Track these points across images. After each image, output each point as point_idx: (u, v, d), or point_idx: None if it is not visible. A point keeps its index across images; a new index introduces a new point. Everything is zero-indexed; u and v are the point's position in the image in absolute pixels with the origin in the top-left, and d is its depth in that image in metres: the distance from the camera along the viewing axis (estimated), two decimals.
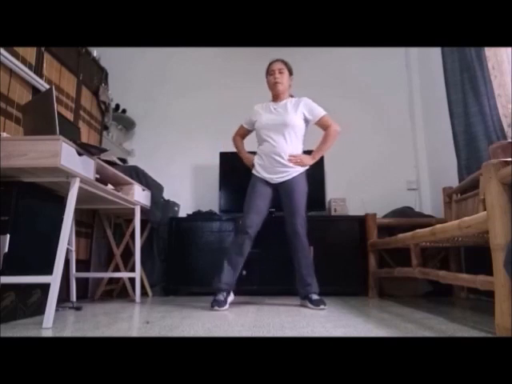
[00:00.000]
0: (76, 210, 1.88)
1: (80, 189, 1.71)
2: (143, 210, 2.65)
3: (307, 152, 2.39)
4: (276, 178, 2.26)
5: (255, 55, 3.68)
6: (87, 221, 2.77)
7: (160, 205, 3.01)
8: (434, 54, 3.10)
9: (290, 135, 2.29)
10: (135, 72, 3.78)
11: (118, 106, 3.45)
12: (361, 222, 2.92)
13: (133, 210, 2.53)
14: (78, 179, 1.67)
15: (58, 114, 1.70)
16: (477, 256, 2.31)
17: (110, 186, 2.15)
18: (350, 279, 2.84)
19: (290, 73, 2.44)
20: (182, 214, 3.35)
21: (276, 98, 2.41)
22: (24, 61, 2.08)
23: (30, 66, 2.13)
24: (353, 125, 3.59)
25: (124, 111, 3.52)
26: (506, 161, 1.27)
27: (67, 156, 1.58)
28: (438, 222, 1.92)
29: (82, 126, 2.71)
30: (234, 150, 2.81)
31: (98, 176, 1.95)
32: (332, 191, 3.41)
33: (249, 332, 1.38)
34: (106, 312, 1.97)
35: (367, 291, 2.77)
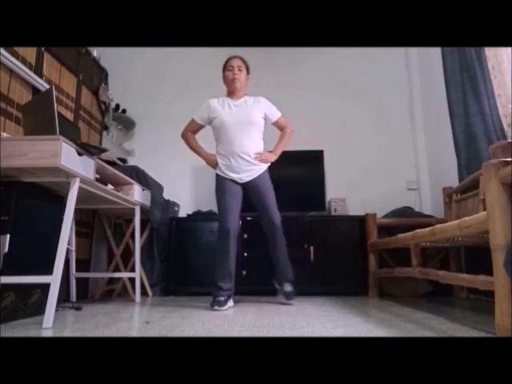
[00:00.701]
0: (76, 210, 1.88)
1: (80, 189, 1.71)
2: (143, 210, 2.65)
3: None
4: (244, 177, 2.28)
5: (255, 55, 3.68)
6: (87, 221, 2.77)
7: (160, 205, 3.01)
8: (434, 54, 3.10)
9: (253, 133, 2.30)
10: (135, 72, 3.78)
11: (117, 106, 3.45)
12: (361, 221, 2.92)
13: (133, 210, 2.53)
14: (77, 179, 1.67)
15: (58, 114, 1.70)
16: (477, 256, 2.31)
17: (110, 186, 2.15)
18: (350, 279, 2.85)
19: (248, 71, 2.42)
20: (182, 214, 3.35)
21: (232, 94, 2.39)
22: (24, 61, 2.08)
23: (30, 66, 2.13)
24: (353, 125, 3.60)
25: (124, 111, 3.52)
26: (506, 161, 1.27)
27: (67, 156, 1.58)
28: (438, 222, 1.92)
29: (82, 125, 2.71)
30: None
31: (97, 176, 1.95)
32: (332, 191, 3.41)
33: (249, 332, 1.38)
34: (105, 312, 1.97)
35: (367, 291, 2.77)
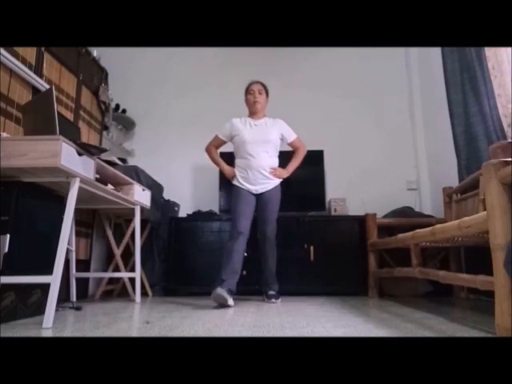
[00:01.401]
0: (76, 210, 1.88)
1: (80, 189, 1.71)
2: (143, 210, 2.65)
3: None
4: (259, 189, 2.52)
5: (255, 55, 3.70)
6: (87, 221, 2.77)
7: (160, 205, 3.01)
8: (434, 54, 3.10)
9: (270, 150, 2.56)
10: (135, 72, 3.78)
11: (118, 106, 3.45)
12: (361, 222, 2.92)
13: (133, 210, 2.53)
14: (77, 179, 1.67)
15: (58, 113, 1.70)
16: (477, 256, 2.31)
17: (110, 186, 2.15)
18: (350, 279, 2.85)
19: (267, 94, 2.68)
20: (182, 214, 3.36)
21: (253, 114, 2.65)
22: (24, 61, 2.08)
23: (30, 66, 2.13)
24: (353, 125, 3.60)
25: (124, 111, 3.51)
26: (506, 161, 1.27)
27: (67, 156, 1.58)
28: (438, 222, 1.92)
29: (82, 125, 2.71)
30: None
31: (97, 176, 1.95)
32: (332, 191, 3.41)
33: (249, 332, 1.38)
34: (105, 312, 1.97)
35: (367, 291, 2.77)
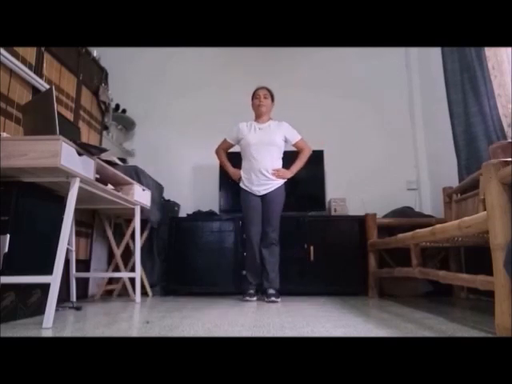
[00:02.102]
0: (76, 210, 1.88)
1: (80, 189, 1.71)
2: (143, 210, 2.65)
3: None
4: (262, 190, 2.61)
5: (255, 55, 3.70)
6: (87, 221, 2.77)
7: (160, 205, 3.01)
8: (434, 53, 3.10)
9: (274, 152, 2.65)
10: (135, 72, 3.78)
11: (118, 106, 3.44)
12: (361, 222, 2.92)
13: (133, 210, 2.53)
14: (77, 179, 1.67)
15: (58, 113, 1.70)
16: (477, 256, 2.31)
17: (110, 186, 2.15)
18: (350, 279, 2.85)
19: (272, 99, 2.78)
20: (182, 214, 3.36)
21: (259, 118, 2.75)
22: (24, 61, 2.08)
23: (30, 66, 2.13)
24: (353, 125, 3.60)
25: (124, 111, 3.51)
26: (506, 161, 1.27)
27: (67, 156, 1.58)
28: (438, 222, 1.92)
29: (82, 125, 2.71)
30: (233, 150, 2.83)
31: (97, 176, 1.94)
32: (332, 191, 3.41)
33: (249, 332, 1.38)
34: (106, 312, 1.97)
35: (367, 291, 2.77)
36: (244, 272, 2.88)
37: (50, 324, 1.48)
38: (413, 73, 3.62)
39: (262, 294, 2.60)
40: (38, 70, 2.20)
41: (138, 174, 2.69)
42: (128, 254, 2.82)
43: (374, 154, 3.52)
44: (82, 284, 2.69)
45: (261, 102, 2.70)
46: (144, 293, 2.78)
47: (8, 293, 1.63)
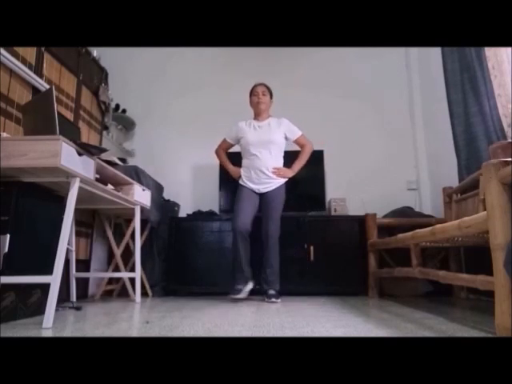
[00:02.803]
0: (76, 210, 1.88)
1: (80, 189, 1.71)
2: (143, 210, 2.65)
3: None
4: (262, 188, 2.58)
5: (255, 55, 3.70)
6: (87, 221, 2.77)
7: (160, 205, 3.01)
8: (434, 53, 3.10)
9: (274, 150, 2.62)
10: (135, 72, 3.78)
11: (118, 106, 3.44)
12: (361, 222, 2.92)
13: (133, 210, 2.53)
14: (77, 179, 1.67)
15: (58, 113, 1.70)
16: (477, 256, 2.31)
17: (110, 186, 2.15)
18: (350, 279, 2.85)
19: (271, 96, 2.74)
20: (182, 214, 3.36)
21: (258, 115, 2.72)
22: (24, 61, 2.08)
23: (30, 66, 2.13)
24: (353, 125, 3.60)
25: (124, 111, 3.51)
26: (506, 161, 1.27)
27: (67, 156, 1.58)
28: (438, 222, 1.92)
29: (82, 125, 2.71)
30: (234, 150, 2.84)
31: (97, 176, 1.94)
32: (332, 191, 3.41)
33: (249, 332, 1.38)
34: (106, 312, 1.97)
35: (367, 291, 2.77)
36: None
37: (50, 324, 1.48)
38: (413, 73, 3.62)
39: (262, 294, 2.55)
40: (37, 70, 2.20)
41: (138, 174, 2.69)
42: (128, 254, 2.82)
43: (374, 154, 3.52)
44: (82, 284, 2.69)
45: (259, 99, 2.66)
46: (144, 293, 2.78)
47: (8, 293, 1.63)
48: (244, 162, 2.69)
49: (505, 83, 2.24)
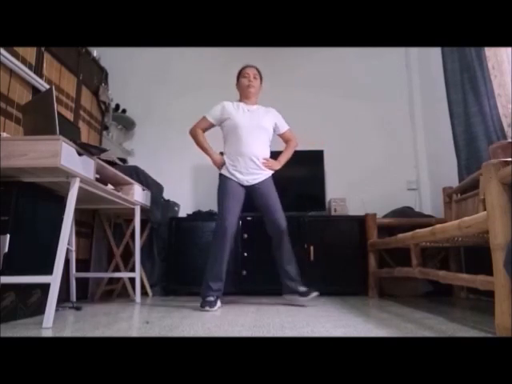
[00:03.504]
0: (76, 210, 1.88)
1: (80, 189, 1.71)
2: (143, 210, 2.65)
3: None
4: (250, 179, 2.32)
5: (255, 55, 3.68)
6: (87, 221, 2.77)
7: (160, 205, 3.01)
8: (434, 53, 3.10)
9: (263, 138, 2.39)
10: (135, 72, 3.78)
11: (118, 106, 3.44)
12: (361, 222, 2.92)
13: (133, 210, 2.53)
14: (77, 179, 1.67)
15: (58, 114, 1.70)
16: (477, 256, 2.31)
17: (110, 186, 2.15)
18: (350, 279, 2.85)
19: (261, 81, 2.53)
20: (182, 214, 3.35)
21: (246, 99, 2.47)
22: (24, 61, 2.08)
23: (30, 66, 2.13)
24: (353, 125, 3.60)
25: (124, 111, 3.51)
26: (506, 161, 1.27)
27: (67, 156, 1.58)
28: (438, 222, 1.92)
29: (82, 126, 2.71)
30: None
31: (97, 176, 1.94)
32: (332, 191, 3.41)
33: (249, 332, 1.38)
34: (105, 312, 1.97)
35: (367, 291, 2.77)
36: (244, 272, 2.89)
37: (50, 324, 1.48)
38: (413, 73, 3.62)
39: (290, 293, 2.28)
40: (37, 70, 2.20)
41: (138, 174, 2.69)
42: (128, 254, 2.82)
43: (374, 154, 3.52)
44: (82, 284, 2.68)
45: (250, 82, 2.42)
46: (144, 293, 2.78)
47: (8, 293, 1.63)
48: (228, 148, 2.38)
49: (505, 83, 2.24)
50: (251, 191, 2.33)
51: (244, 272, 2.89)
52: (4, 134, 1.71)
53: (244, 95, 2.48)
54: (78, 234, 2.58)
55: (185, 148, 3.64)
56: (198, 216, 3.15)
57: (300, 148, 2.73)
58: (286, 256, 2.29)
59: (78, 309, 2.03)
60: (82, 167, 1.70)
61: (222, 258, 2.19)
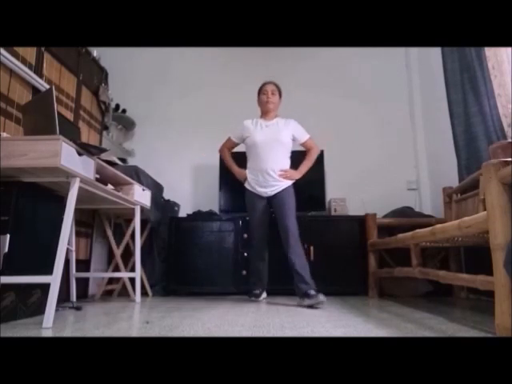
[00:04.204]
0: (76, 210, 1.88)
1: (80, 189, 1.71)
2: (143, 210, 2.64)
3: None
4: (269, 191, 2.49)
5: (255, 55, 3.70)
6: (87, 221, 2.77)
7: (160, 205, 3.01)
8: (434, 53, 3.10)
9: (281, 151, 2.52)
10: (135, 72, 3.78)
11: (118, 106, 3.44)
12: (361, 222, 2.92)
13: (133, 210, 2.53)
14: (77, 179, 1.67)
15: (58, 113, 1.70)
16: (477, 256, 2.31)
17: (110, 186, 2.15)
18: (350, 279, 2.85)
19: (280, 95, 2.65)
20: (182, 214, 3.35)
21: (265, 115, 2.62)
22: (24, 61, 2.08)
23: (30, 66, 2.13)
24: (353, 125, 3.60)
25: (124, 111, 3.51)
26: (506, 161, 1.27)
27: (67, 156, 1.58)
28: (438, 222, 1.92)
29: (82, 125, 2.71)
30: (238, 150, 2.80)
31: (97, 176, 1.94)
32: (332, 191, 3.41)
33: (249, 332, 1.38)
34: (105, 312, 1.97)
35: (367, 291, 2.77)
36: (244, 272, 2.89)
37: (50, 324, 1.48)
38: (413, 73, 3.62)
39: (300, 297, 2.29)
40: (38, 70, 2.20)
41: (138, 174, 2.69)
42: (128, 254, 2.82)
43: (374, 154, 3.52)
44: (82, 284, 2.69)
45: (269, 99, 2.56)
46: (144, 293, 2.78)
47: (8, 293, 1.63)
48: (250, 163, 2.58)
49: (505, 83, 2.24)
50: (271, 199, 2.52)
51: (244, 272, 2.89)
52: (4, 134, 1.71)
53: (263, 111, 2.64)
54: (77, 233, 2.58)
55: (185, 148, 3.66)
56: (197, 216, 3.15)
57: (300, 148, 2.73)
58: (298, 261, 2.34)
59: (78, 309, 2.03)
60: (82, 167, 1.70)
61: (258, 265, 2.58)
